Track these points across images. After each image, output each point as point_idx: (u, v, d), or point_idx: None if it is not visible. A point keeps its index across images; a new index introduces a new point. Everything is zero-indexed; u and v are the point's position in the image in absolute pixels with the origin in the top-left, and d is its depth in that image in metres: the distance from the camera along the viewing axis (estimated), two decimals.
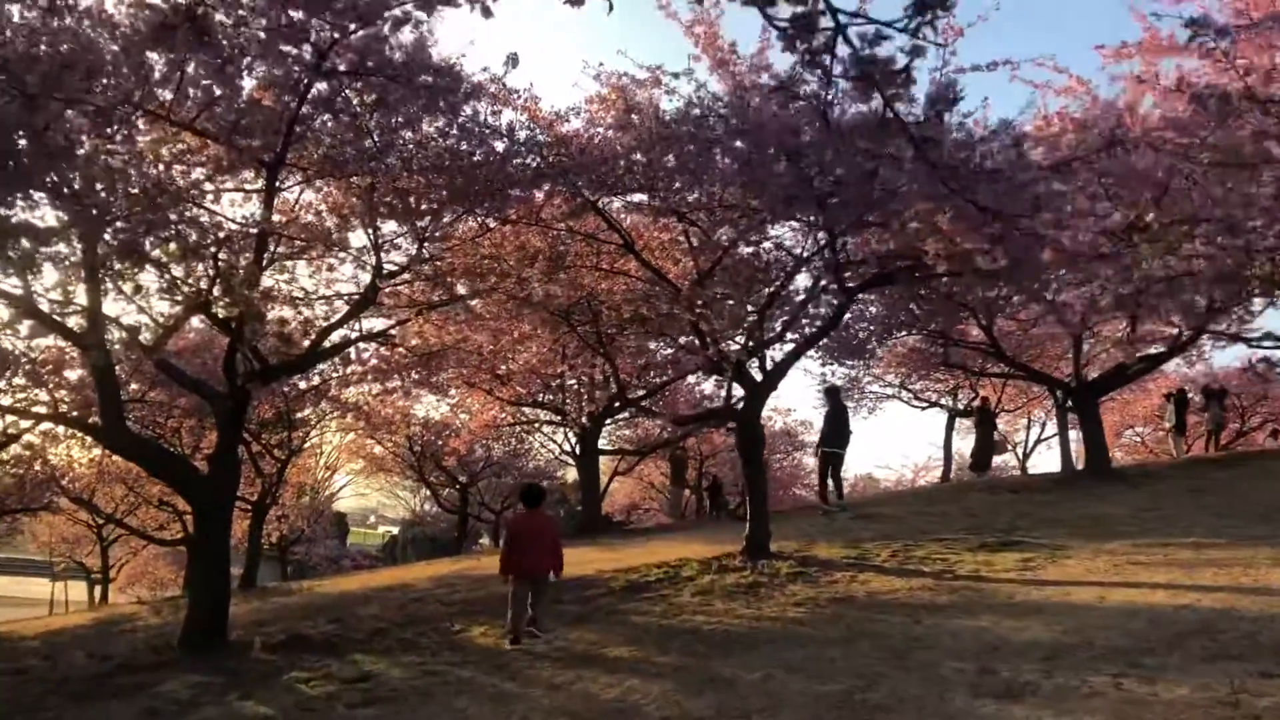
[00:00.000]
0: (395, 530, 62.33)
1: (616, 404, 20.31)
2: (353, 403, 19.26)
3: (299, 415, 21.93)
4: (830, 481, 16.17)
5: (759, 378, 11.78)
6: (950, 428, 26.80)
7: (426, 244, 10.56)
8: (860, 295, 12.56)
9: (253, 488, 20.11)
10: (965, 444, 36.71)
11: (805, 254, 10.72)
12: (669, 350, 17.98)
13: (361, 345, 13.61)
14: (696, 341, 11.74)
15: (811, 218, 10.03)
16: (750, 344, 10.92)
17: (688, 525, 22.15)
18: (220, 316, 9.39)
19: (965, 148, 8.68)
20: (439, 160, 9.38)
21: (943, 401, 26.59)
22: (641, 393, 22.28)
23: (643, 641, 8.28)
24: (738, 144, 8.79)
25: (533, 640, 8.43)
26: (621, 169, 9.81)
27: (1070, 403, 16.92)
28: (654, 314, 12.41)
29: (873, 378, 24.45)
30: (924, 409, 26.85)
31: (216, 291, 9.29)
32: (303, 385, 18.96)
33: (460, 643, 9.22)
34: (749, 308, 11.56)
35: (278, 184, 10.04)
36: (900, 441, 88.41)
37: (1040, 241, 8.66)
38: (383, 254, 10.81)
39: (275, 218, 10.00)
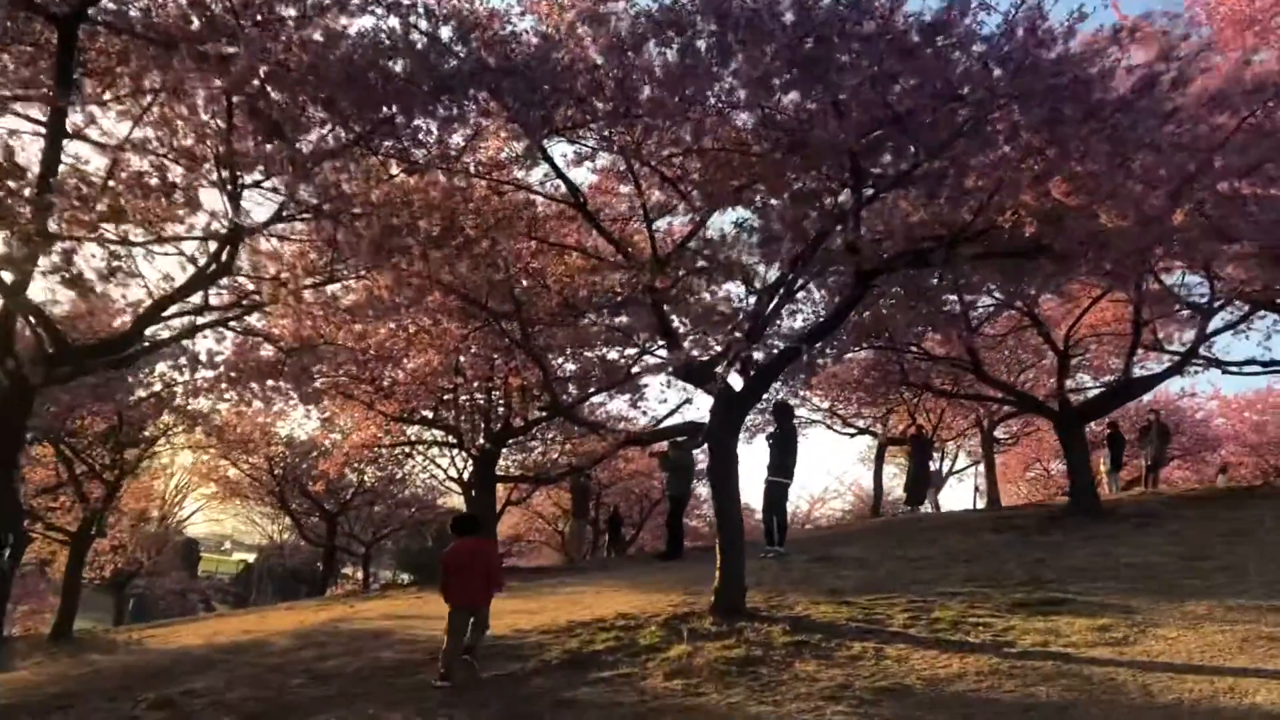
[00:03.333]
0: (251, 558, 57.34)
1: (525, 421, 17.47)
2: (202, 414, 15.78)
3: (144, 430, 18.34)
4: (775, 519, 13.70)
5: (737, 385, 9.11)
6: (880, 458, 24.65)
7: (307, 184, 7.56)
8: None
9: (70, 516, 16.41)
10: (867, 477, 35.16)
11: (818, 223, 8.06)
12: (595, 354, 15.12)
13: (213, 337, 10.54)
14: (661, 340, 9.07)
15: (836, 168, 7.44)
16: (743, 340, 8.22)
17: (597, 566, 19.35)
18: None
19: (1075, 65, 6.27)
20: (326, 54, 6.44)
21: (874, 429, 24.39)
22: (541, 413, 19.49)
23: None
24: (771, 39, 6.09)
25: (467, 672, 7.96)
26: (583, 86, 7.03)
27: (1057, 429, 14.65)
28: (605, 299, 9.54)
29: (799, 400, 22.03)
30: (852, 436, 24.67)
31: None
32: (141, 392, 15.48)
33: None
34: (733, 294, 8.87)
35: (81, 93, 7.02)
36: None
37: (1180, 194, 6.29)
38: (241, 201, 7.82)
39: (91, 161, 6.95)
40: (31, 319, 6.53)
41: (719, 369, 8.39)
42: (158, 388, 15.20)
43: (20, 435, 6.76)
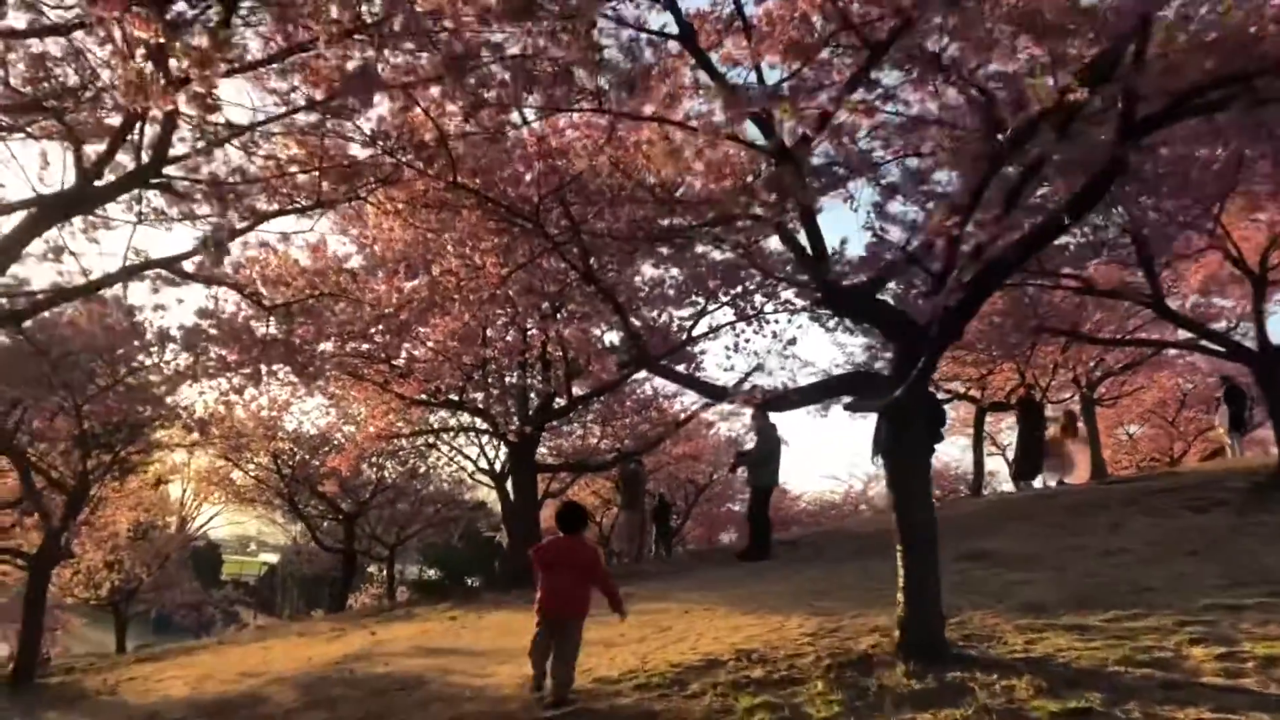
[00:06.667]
0: (276, 560, 55.11)
1: (570, 399, 14.61)
2: (163, 402, 12.68)
3: (118, 431, 15.60)
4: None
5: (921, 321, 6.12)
6: (980, 426, 21.53)
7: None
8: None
9: (23, 539, 13.58)
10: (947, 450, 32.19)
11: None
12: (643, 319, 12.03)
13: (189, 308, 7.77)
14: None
15: None
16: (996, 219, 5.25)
17: (663, 568, 16.42)
18: None
19: None
20: None
21: (972, 393, 21.23)
22: (580, 392, 16.67)
23: None
24: None
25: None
26: None
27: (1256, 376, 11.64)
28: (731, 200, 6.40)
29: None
30: (945, 402, 21.59)
31: None
32: (102, 382, 12.61)
33: None
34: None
35: None
36: (829, 449, 79.88)
37: None
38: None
39: None
40: None
41: (927, 291, 5.40)
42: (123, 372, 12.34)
43: None
